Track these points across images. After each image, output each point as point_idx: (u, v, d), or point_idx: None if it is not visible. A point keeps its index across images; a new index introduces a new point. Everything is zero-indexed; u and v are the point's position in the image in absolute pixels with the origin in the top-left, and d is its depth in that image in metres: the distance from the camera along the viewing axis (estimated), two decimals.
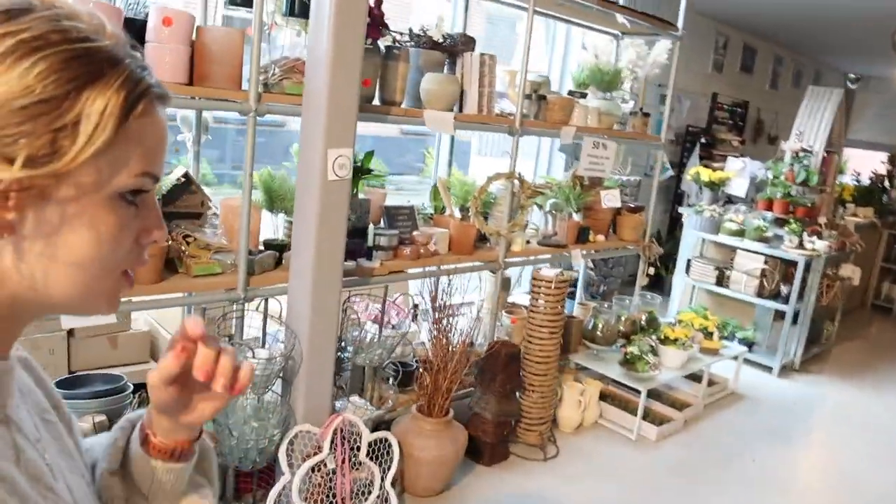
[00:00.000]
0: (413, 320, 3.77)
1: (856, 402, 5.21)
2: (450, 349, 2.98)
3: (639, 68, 5.30)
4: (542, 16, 4.23)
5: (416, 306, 3.83)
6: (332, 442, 2.66)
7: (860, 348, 6.72)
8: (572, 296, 5.32)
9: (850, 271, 6.47)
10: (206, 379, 0.70)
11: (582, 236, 4.01)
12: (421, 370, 3.02)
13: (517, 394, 3.48)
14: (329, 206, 2.47)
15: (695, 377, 4.59)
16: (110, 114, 0.58)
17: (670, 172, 6.96)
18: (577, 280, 5.05)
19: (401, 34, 3.27)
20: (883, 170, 8.78)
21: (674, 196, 7.44)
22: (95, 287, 0.63)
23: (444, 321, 3.03)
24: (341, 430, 2.70)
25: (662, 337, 4.21)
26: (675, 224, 7.31)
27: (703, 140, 7.50)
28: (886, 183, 8.63)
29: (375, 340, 2.96)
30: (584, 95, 4.01)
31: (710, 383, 4.75)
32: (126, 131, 0.59)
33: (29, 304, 0.62)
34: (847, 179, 8.57)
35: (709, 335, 4.55)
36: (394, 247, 3.14)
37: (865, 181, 8.59)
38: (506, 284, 4.08)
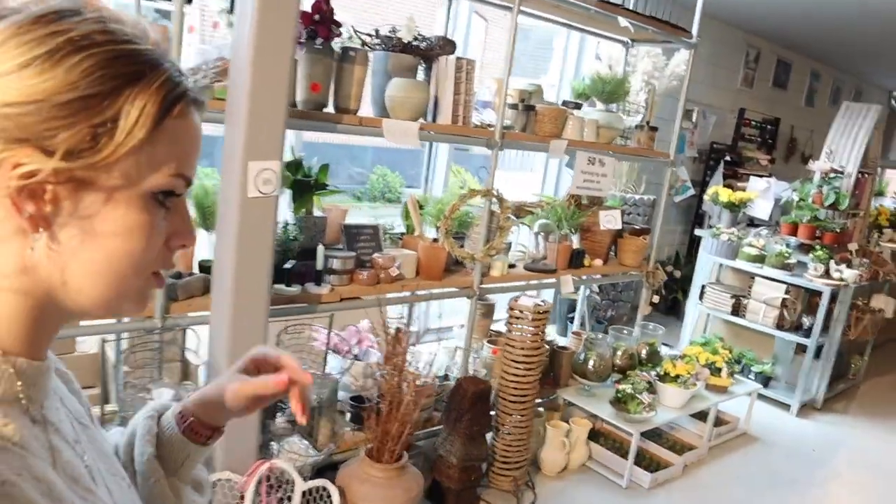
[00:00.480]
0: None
1: (884, 448, 4.74)
2: (402, 388, 2.65)
3: (655, 80, 4.97)
4: (534, 18, 3.89)
5: (398, 329, 3.52)
6: (256, 492, 2.35)
7: (892, 385, 6.22)
8: (573, 320, 4.96)
9: (883, 302, 5.99)
10: (301, 410, 0.88)
11: (575, 260, 3.66)
12: (368, 411, 2.70)
13: (487, 435, 3.14)
14: (250, 226, 2.16)
15: (703, 414, 4.18)
16: (148, 113, 0.59)
17: (691, 191, 6.56)
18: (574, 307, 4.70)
19: (369, 35, 2.97)
20: None
21: (695, 216, 7.02)
22: (125, 286, 0.64)
23: (399, 356, 2.71)
24: (268, 479, 2.39)
25: (662, 373, 3.83)
26: (695, 246, 6.88)
27: (727, 158, 7.07)
28: None
29: (319, 377, 2.64)
30: (578, 106, 3.66)
31: (719, 423, 4.34)
32: (162, 132, 0.61)
33: (61, 303, 0.62)
34: (887, 203, 8.07)
35: (716, 371, 4.14)
36: (349, 270, 2.83)
37: None
38: (489, 312, 3.74)
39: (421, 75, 3.10)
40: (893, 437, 4.94)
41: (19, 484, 0.54)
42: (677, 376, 3.80)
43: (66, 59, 0.56)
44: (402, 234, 3.28)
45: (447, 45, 3.09)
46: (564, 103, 3.69)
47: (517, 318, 3.14)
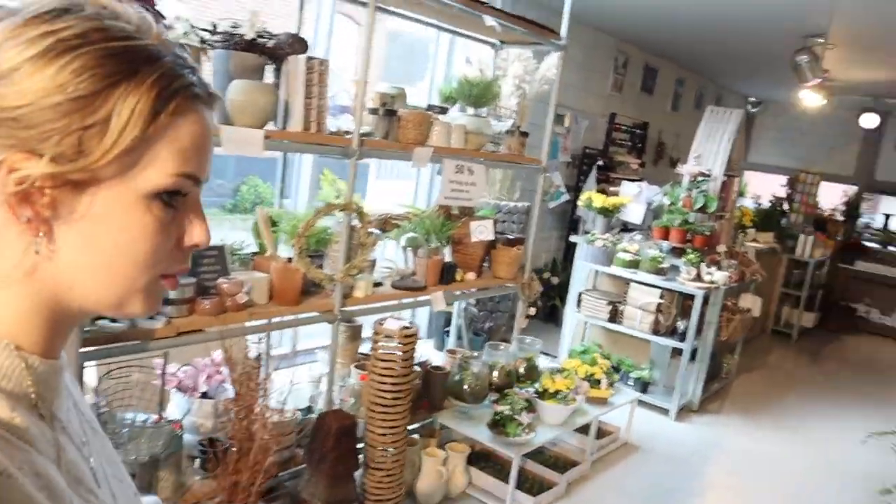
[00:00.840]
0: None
1: (755, 446, 4.80)
2: (254, 430, 2.33)
3: (526, 84, 4.85)
4: (397, 16, 3.66)
5: (252, 361, 3.17)
6: None
7: (760, 380, 6.39)
8: (447, 333, 4.75)
9: (751, 302, 6.14)
10: None
11: (446, 275, 3.43)
12: (212, 460, 2.36)
13: (356, 473, 2.85)
14: None
15: (585, 427, 4.05)
16: (140, 112, 0.57)
17: (566, 197, 6.52)
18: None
19: (207, 31, 2.63)
20: (782, 193, 8.62)
21: (570, 222, 6.99)
22: (131, 287, 0.62)
23: (251, 393, 2.38)
24: None
25: (541, 389, 3.67)
26: (571, 252, 6.86)
27: (600, 162, 7.09)
28: (786, 206, 8.47)
29: (146, 427, 2.28)
30: (443, 111, 3.44)
31: (601, 434, 4.24)
32: (159, 130, 0.59)
33: (69, 304, 0.62)
34: (747, 203, 8.36)
35: (596, 383, 4.03)
36: (189, 299, 2.47)
37: (765, 205, 8.40)
38: (355, 334, 3.45)
39: (270, 77, 2.79)
40: (762, 433, 5.03)
41: (18, 477, 0.53)
42: (557, 392, 3.65)
43: (57, 60, 0.55)
44: (254, 254, 2.95)
45: (297, 44, 2.79)
46: (430, 108, 3.46)
47: (383, 343, 2.87)
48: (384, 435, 2.91)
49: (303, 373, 3.35)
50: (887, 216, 10.65)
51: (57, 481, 0.58)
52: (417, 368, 3.49)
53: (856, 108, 9.26)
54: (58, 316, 0.63)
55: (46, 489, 0.56)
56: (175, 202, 0.63)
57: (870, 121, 9.24)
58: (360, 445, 2.95)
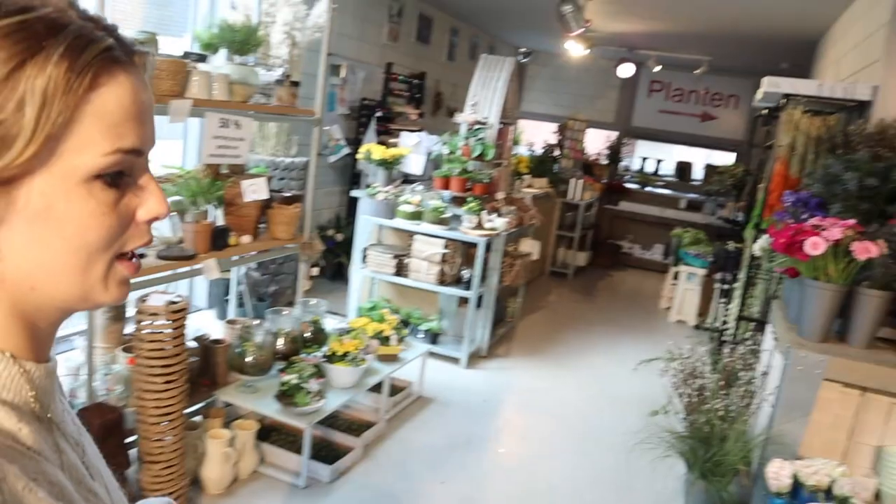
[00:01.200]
0: None
1: (541, 385, 5.03)
2: None
3: (297, 31, 4.59)
4: None
5: None
6: None
7: (542, 319, 6.72)
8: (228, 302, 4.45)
9: (530, 246, 6.38)
10: None
11: (218, 241, 3.14)
12: None
13: (130, 470, 2.55)
14: None
15: (378, 386, 3.98)
16: (53, 92, 0.51)
17: (346, 150, 6.34)
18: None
19: None
20: (553, 140, 9.05)
21: (352, 176, 6.83)
22: (91, 276, 0.58)
23: None
24: None
25: (330, 353, 3.52)
26: (355, 207, 6.72)
27: (379, 114, 6.96)
28: (557, 152, 8.91)
29: None
30: (202, 58, 3.11)
31: (394, 390, 4.19)
32: (80, 107, 0.53)
33: (40, 304, 0.58)
34: (522, 150, 8.69)
35: (385, 340, 3.95)
36: None
37: (539, 151, 8.78)
38: (119, 315, 3.08)
39: None
40: (547, 372, 5.29)
41: (35, 489, 0.52)
42: (346, 354, 3.52)
43: None
44: None
45: None
46: (186, 55, 3.10)
47: (148, 322, 2.55)
48: (158, 423, 2.61)
49: (60, 364, 2.93)
50: (644, 159, 11.61)
51: (67, 487, 0.57)
52: (193, 344, 3.20)
53: (614, 58, 9.87)
54: (36, 318, 0.59)
55: (60, 497, 0.54)
56: (119, 180, 0.57)
57: (626, 70, 9.90)
58: (132, 438, 2.65)
